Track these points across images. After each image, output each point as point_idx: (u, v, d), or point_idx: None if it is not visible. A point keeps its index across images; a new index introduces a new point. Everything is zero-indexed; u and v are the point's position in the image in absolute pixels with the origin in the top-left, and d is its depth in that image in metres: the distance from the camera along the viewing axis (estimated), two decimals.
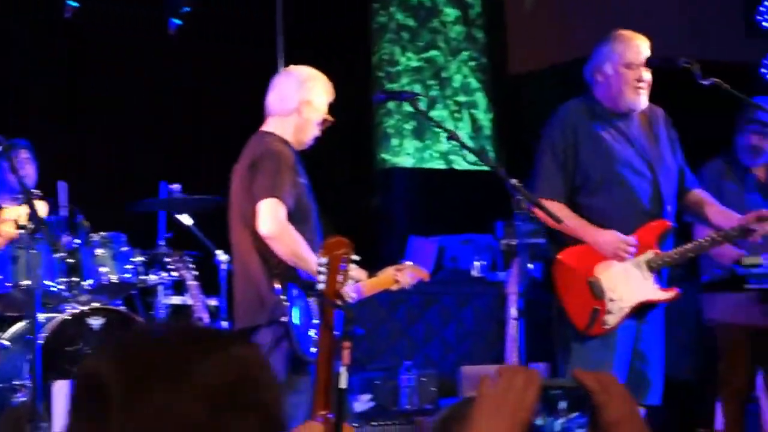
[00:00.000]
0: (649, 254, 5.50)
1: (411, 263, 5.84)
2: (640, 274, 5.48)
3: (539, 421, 1.90)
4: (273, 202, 5.22)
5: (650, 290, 5.50)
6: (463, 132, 10.12)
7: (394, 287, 5.72)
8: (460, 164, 9.71)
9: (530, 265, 7.99)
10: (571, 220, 5.43)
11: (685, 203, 5.77)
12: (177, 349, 1.67)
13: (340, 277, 4.68)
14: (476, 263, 8.51)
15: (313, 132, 5.54)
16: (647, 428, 2.00)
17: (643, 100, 5.58)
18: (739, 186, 6.53)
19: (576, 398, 1.98)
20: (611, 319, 5.43)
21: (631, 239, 5.41)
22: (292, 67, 5.77)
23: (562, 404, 1.86)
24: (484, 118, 10.26)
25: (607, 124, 5.58)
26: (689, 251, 5.60)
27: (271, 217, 5.21)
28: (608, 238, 5.42)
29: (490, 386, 1.95)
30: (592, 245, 5.43)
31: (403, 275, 5.69)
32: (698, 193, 5.79)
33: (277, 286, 5.21)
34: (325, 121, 5.56)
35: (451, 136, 5.09)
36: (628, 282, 5.45)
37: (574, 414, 1.87)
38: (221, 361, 1.66)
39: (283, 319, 5.19)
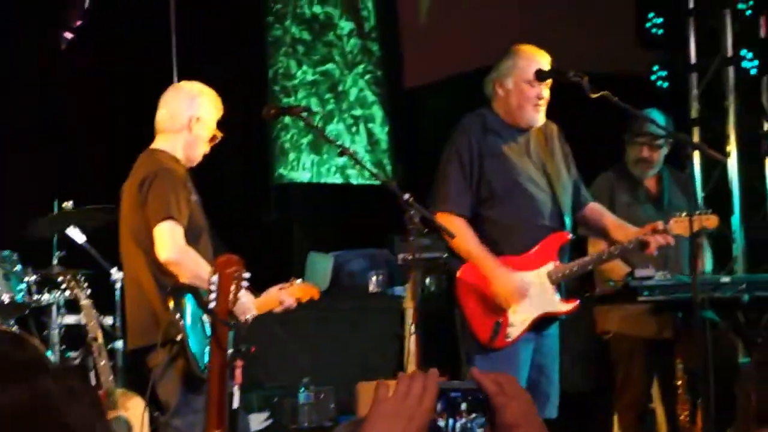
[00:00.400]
0: (550, 266, 5.54)
1: (300, 281, 5.78)
2: (541, 285, 5.51)
3: (441, 423, 1.90)
4: (170, 225, 5.15)
5: (552, 302, 5.54)
6: (360, 146, 10.11)
7: (278, 309, 5.64)
8: (357, 179, 9.71)
9: (427, 280, 8.04)
10: (474, 248, 5.43)
11: (580, 217, 5.82)
12: None
13: (231, 296, 4.64)
14: (373, 278, 8.50)
15: (203, 149, 5.49)
16: (545, 429, 2.00)
17: (541, 117, 5.62)
18: (631, 198, 6.59)
19: (475, 400, 1.97)
20: (513, 332, 5.45)
21: (524, 292, 5.41)
22: (182, 83, 5.71)
23: (463, 405, 1.86)
24: (381, 132, 10.26)
25: (507, 137, 5.60)
26: (588, 263, 5.65)
27: (170, 242, 5.14)
28: (504, 283, 5.40)
29: (386, 391, 1.93)
30: (480, 288, 5.43)
31: (288, 296, 5.63)
32: (594, 207, 5.84)
33: (171, 304, 5.15)
34: (214, 137, 5.50)
35: (343, 152, 5.07)
36: (530, 294, 5.47)
37: (475, 415, 1.87)
38: (16, 390, 1.65)
39: (179, 337, 5.13)
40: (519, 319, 5.45)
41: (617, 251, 5.64)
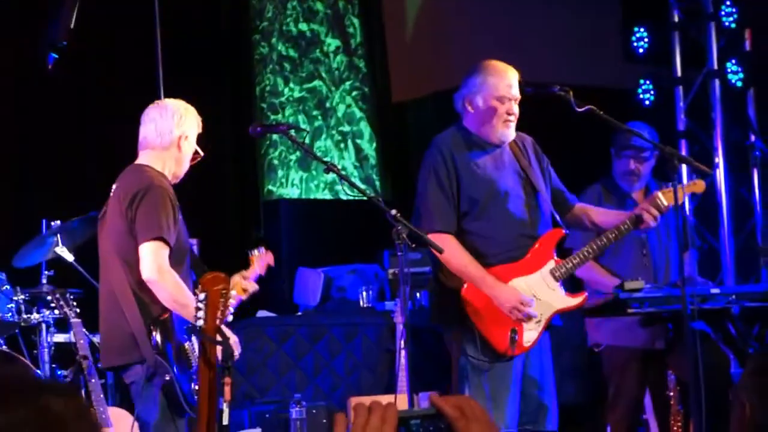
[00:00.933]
0: (551, 264, 5.54)
1: (256, 253, 5.78)
2: (546, 285, 5.50)
3: None
4: (157, 245, 5.12)
5: (560, 299, 5.53)
6: (348, 162, 10.10)
7: (245, 297, 5.66)
8: (346, 194, 9.69)
9: (418, 294, 8.04)
10: (469, 267, 5.41)
11: (570, 218, 5.81)
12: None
13: (219, 313, 4.63)
14: (364, 293, 8.50)
15: (187, 166, 5.49)
16: None
17: (511, 133, 5.60)
18: (619, 210, 6.59)
19: (437, 429, 1.95)
20: (531, 335, 5.44)
21: (529, 300, 5.40)
22: (165, 100, 5.69)
23: None
24: (369, 148, 10.26)
25: (482, 151, 5.59)
26: (588, 254, 5.62)
27: (154, 262, 5.11)
28: (507, 295, 5.39)
29: (344, 425, 1.92)
30: (489, 297, 5.40)
31: (249, 282, 5.63)
32: (581, 206, 5.85)
33: (156, 336, 5.12)
34: (196, 155, 5.50)
35: (329, 168, 5.07)
36: (537, 295, 5.46)
37: None
38: (31, 410, 1.65)
39: (167, 378, 5.10)
40: (533, 322, 5.43)
41: (613, 235, 5.63)
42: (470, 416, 1.94)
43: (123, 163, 5.55)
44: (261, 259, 5.77)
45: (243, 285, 5.59)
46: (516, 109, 5.56)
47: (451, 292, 5.47)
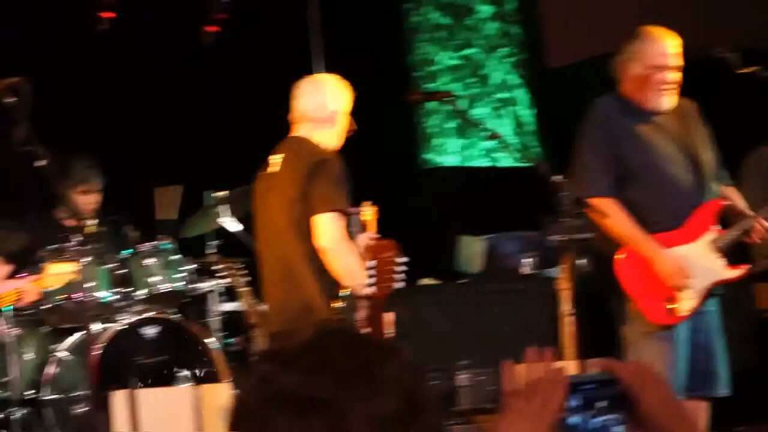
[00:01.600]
0: (712, 234, 5.46)
1: (368, 212, 5.70)
2: (706, 255, 5.43)
3: (576, 419, 1.83)
4: (335, 216, 5.22)
5: (721, 270, 5.45)
6: (507, 129, 10.07)
7: None
8: (505, 161, 9.67)
9: (581, 261, 7.98)
10: (631, 230, 5.38)
11: None
12: (367, 352, 1.73)
13: (388, 280, 4.68)
14: (526, 260, 8.46)
15: (342, 139, 5.57)
16: (686, 414, 1.94)
17: (670, 101, 5.50)
18: None
19: (614, 396, 1.93)
20: (688, 305, 5.38)
21: (688, 269, 5.35)
22: (319, 75, 5.77)
23: (601, 403, 1.80)
24: (526, 114, 10.21)
25: (639, 119, 5.52)
26: (748, 224, 5.50)
27: (332, 232, 5.20)
28: (668, 261, 5.34)
29: (516, 396, 1.91)
30: (644, 267, 5.36)
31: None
32: (727, 191, 5.71)
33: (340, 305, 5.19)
34: (350, 128, 5.57)
35: (492, 136, 5.08)
36: (697, 265, 5.40)
37: (613, 415, 1.81)
38: (400, 360, 1.72)
39: None
40: (691, 291, 5.38)
41: None
42: (644, 380, 1.91)
43: (280, 137, 5.63)
44: (374, 215, 5.78)
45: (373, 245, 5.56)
46: (674, 77, 5.46)
47: (607, 260, 5.45)
